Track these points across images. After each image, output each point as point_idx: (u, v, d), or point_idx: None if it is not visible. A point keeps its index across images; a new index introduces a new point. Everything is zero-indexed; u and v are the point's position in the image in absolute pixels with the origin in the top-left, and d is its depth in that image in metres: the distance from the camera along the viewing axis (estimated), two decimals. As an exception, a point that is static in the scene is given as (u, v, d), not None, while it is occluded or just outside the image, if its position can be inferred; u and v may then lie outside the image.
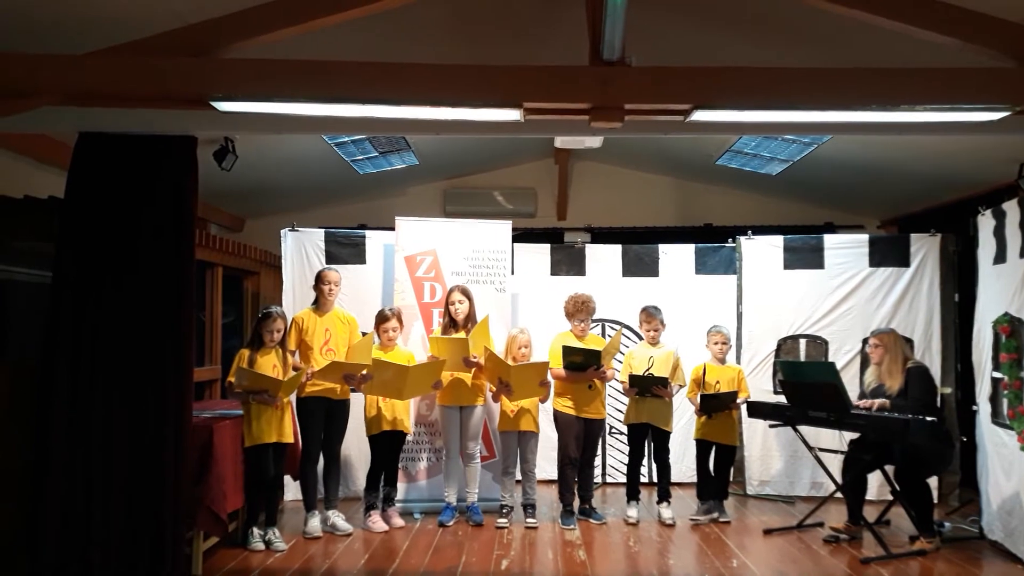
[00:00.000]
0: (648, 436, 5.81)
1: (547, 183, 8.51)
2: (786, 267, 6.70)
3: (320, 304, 5.43)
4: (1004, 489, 4.95)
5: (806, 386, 5.29)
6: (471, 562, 4.73)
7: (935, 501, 5.36)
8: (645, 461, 6.03)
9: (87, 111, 3.90)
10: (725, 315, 6.66)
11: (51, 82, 3.38)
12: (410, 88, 3.44)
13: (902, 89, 3.45)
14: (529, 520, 5.54)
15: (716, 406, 5.69)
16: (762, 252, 6.77)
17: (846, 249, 6.61)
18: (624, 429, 6.09)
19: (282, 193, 7.87)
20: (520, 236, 7.32)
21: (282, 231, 6.46)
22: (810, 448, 5.57)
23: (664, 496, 5.77)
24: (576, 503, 5.69)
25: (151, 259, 4.19)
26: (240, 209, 8.26)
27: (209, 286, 6.70)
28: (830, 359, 6.38)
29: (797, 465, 6.53)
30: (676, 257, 7.15)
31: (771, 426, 6.19)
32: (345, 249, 6.50)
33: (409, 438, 5.75)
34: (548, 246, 7.27)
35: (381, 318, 5.51)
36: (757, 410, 5.76)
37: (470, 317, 5.63)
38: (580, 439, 5.60)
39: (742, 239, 6.85)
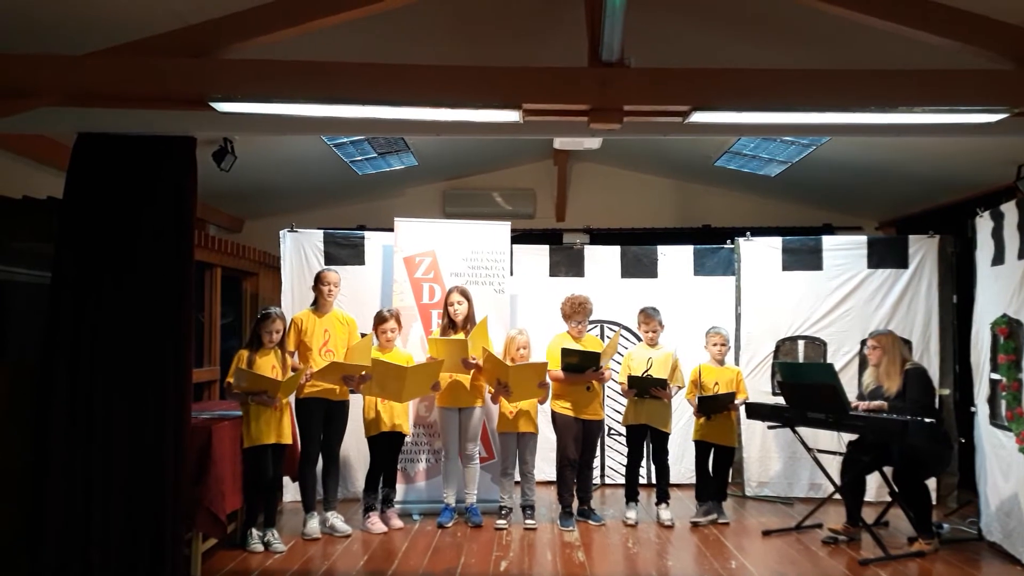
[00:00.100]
0: (647, 437, 5.81)
1: (546, 184, 8.52)
2: (784, 268, 6.71)
3: (319, 305, 5.43)
4: (1002, 490, 4.95)
5: (805, 387, 5.30)
6: (470, 563, 4.73)
7: (933, 502, 5.37)
8: (644, 462, 6.03)
9: (86, 112, 3.89)
10: (724, 316, 6.66)
11: (51, 82, 3.38)
12: (409, 89, 3.44)
13: (901, 91, 3.46)
14: (528, 521, 5.54)
15: (714, 407, 5.70)
16: (761, 253, 6.78)
17: (844, 250, 6.62)
18: (623, 430, 6.10)
19: (281, 194, 7.88)
20: (519, 237, 7.33)
21: (281, 232, 6.46)
22: (809, 449, 5.58)
23: (663, 497, 5.77)
24: (575, 504, 5.69)
25: (150, 260, 4.18)
26: (239, 210, 8.26)
27: (208, 287, 6.70)
28: (828, 360, 6.39)
29: (796, 466, 6.53)
30: (675, 258, 7.15)
31: (770, 427, 6.20)
32: (344, 250, 6.50)
33: (408, 439, 5.75)
34: (547, 247, 7.27)
35: (379, 319, 5.51)
36: (756, 411, 5.76)
37: (469, 318, 5.63)
38: (579, 440, 5.60)
39: (741, 240, 6.86)
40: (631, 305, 6.46)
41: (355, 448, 6.00)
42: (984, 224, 5.25)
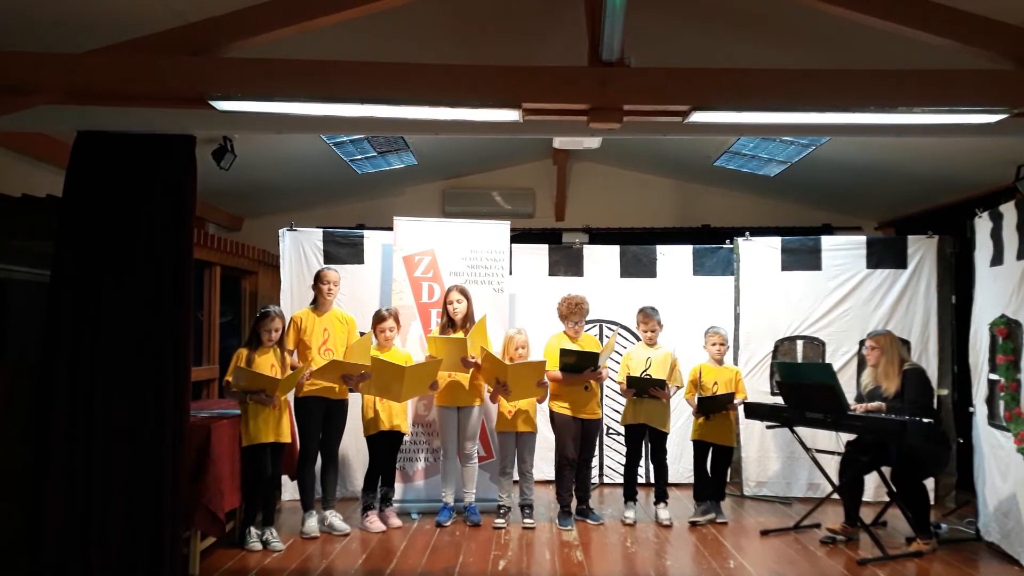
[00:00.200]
0: (645, 437, 5.81)
1: (545, 184, 8.52)
2: (784, 268, 6.71)
3: (319, 304, 5.43)
4: (1001, 491, 4.96)
5: (803, 387, 5.30)
6: (468, 562, 4.73)
7: (932, 503, 5.39)
8: (642, 462, 6.04)
9: (86, 110, 3.89)
10: (723, 316, 6.67)
11: (51, 80, 3.38)
12: (409, 88, 3.44)
13: (900, 91, 3.46)
14: (526, 520, 5.54)
15: (713, 407, 5.70)
16: (760, 253, 6.78)
17: (843, 251, 6.62)
18: (621, 430, 6.10)
19: (280, 193, 7.87)
20: (518, 236, 7.32)
21: (280, 231, 6.46)
22: (807, 449, 5.58)
23: (661, 497, 5.77)
24: (573, 504, 5.69)
25: (150, 258, 4.18)
26: (238, 208, 8.25)
27: (207, 285, 6.70)
28: (827, 360, 6.39)
29: (794, 466, 6.54)
30: (674, 258, 7.16)
31: (768, 427, 6.20)
32: (343, 249, 6.50)
33: (407, 438, 5.74)
34: (546, 246, 7.27)
35: (378, 318, 5.51)
36: (754, 411, 5.76)
37: (468, 317, 5.63)
38: (577, 440, 5.61)
39: (740, 240, 6.86)
40: (630, 305, 6.46)
41: (354, 447, 6.00)
42: (983, 225, 5.26)
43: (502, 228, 6.37)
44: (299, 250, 6.43)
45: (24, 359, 4.36)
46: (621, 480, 6.07)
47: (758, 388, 6.56)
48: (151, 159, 4.22)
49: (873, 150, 6.18)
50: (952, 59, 3.58)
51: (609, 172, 8.55)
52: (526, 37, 4.51)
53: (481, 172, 8.53)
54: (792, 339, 6.67)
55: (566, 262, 7.19)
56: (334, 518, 5.36)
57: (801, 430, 5.58)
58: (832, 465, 5.58)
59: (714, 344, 5.86)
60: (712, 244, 7.24)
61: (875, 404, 5.14)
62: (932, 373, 6.10)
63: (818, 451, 5.59)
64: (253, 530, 5.00)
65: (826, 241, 6.72)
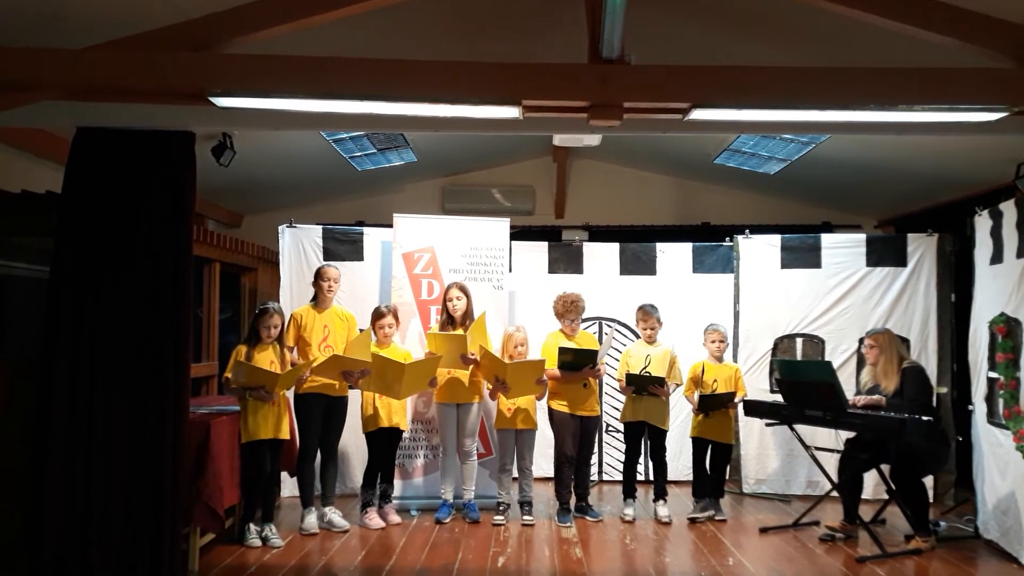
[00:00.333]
0: (644, 434, 5.81)
1: (545, 181, 8.52)
2: (783, 266, 6.71)
3: (319, 301, 5.43)
4: (1000, 488, 4.96)
5: (803, 385, 5.30)
6: (467, 559, 4.73)
7: (931, 500, 5.39)
8: (641, 459, 6.04)
9: (86, 106, 3.89)
10: (722, 314, 6.67)
11: (51, 76, 3.38)
12: (409, 85, 3.44)
13: (900, 89, 3.47)
14: (526, 517, 5.54)
15: (713, 405, 5.70)
16: (759, 251, 6.78)
17: (843, 249, 6.62)
18: (621, 427, 6.10)
19: (280, 189, 7.87)
20: (518, 234, 7.33)
21: (280, 227, 6.45)
22: (806, 447, 5.58)
23: (660, 494, 5.78)
24: (572, 501, 5.70)
25: (149, 255, 4.18)
26: (238, 205, 8.25)
27: (207, 282, 6.71)
28: (827, 358, 6.39)
29: (793, 464, 6.54)
30: (674, 256, 7.16)
31: (767, 425, 6.20)
32: (343, 246, 6.50)
33: (406, 435, 5.75)
34: (546, 244, 7.28)
35: (377, 315, 5.51)
36: (754, 409, 5.77)
37: (468, 314, 5.63)
38: (576, 437, 5.61)
39: (740, 238, 6.85)
40: (630, 302, 6.46)
41: (353, 443, 6.00)
42: (983, 223, 5.25)
43: (502, 225, 6.37)
44: (299, 247, 6.42)
45: (24, 356, 4.35)
46: (620, 477, 6.07)
47: (757, 386, 6.56)
48: (151, 155, 4.22)
49: (873, 148, 6.18)
50: (953, 57, 3.58)
51: (609, 169, 8.55)
52: (526, 34, 4.50)
53: (481, 169, 8.52)
54: (792, 337, 6.67)
55: (566, 259, 7.19)
56: (333, 515, 5.36)
57: (800, 428, 5.58)
58: (831, 463, 5.58)
59: (714, 342, 5.86)
60: (712, 242, 7.24)
61: (876, 397, 5.14)
62: (931, 371, 6.10)
63: (817, 449, 5.59)
64: (252, 526, 5.00)
65: (826, 239, 6.72)
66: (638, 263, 7.16)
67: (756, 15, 4.20)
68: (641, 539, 5.24)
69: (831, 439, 5.85)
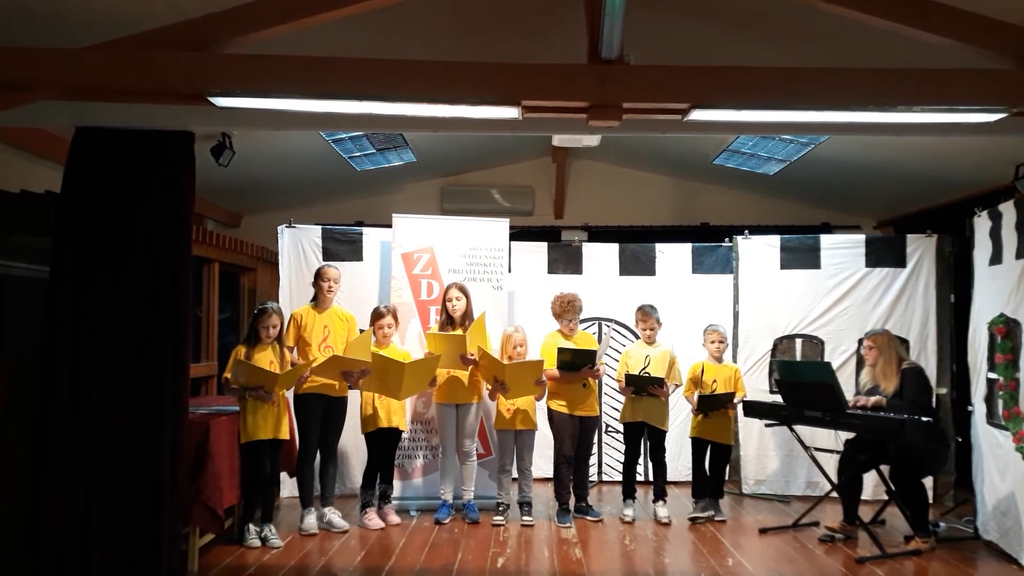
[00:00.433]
0: (644, 435, 5.81)
1: (545, 181, 8.52)
2: (783, 267, 6.71)
3: (319, 301, 5.42)
4: (999, 489, 4.96)
5: (802, 386, 5.30)
6: (467, 560, 4.73)
7: (930, 501, 5.39)
8: (641, 460, 6.04)
9: (85, 105, 3.89)
10: (721, 314, 6.67)
11: (50, 76, 3.37)
12: (408, 85, 3.44)
13: (900, 90, 3.46)
14: (525, 518, 5.54)
15: (713, 405, 5.70)
16: (759, 252, 6.78)
17: (842, 249, 6.62)
18: (620, 427, 6.10)
19: (279, 189, 7.87)
20: (517, 234, 7.32)
21: (279, 227, 6.45)
22: (806, 448, 5.58)
23: (660, 495, 5.78)
24: (572, 501, 5.70)
25: (148, 255, 4.18)
26: (237, 205, 8.25)
27: (206, 282, 6.70)
28: (826, 359, 6.39)
29: (793, 464, 6.54)
30: (673, 256, 7.16)
31: (767, 425, 6.20)
32: (342, 246, 6.50)
33: (405, 436, 5.75)
34: (545, 244, 7.28)
35: (376, 315, 5.51)
36: (753, 409, 5.77)
37: (467, 314, 5.63)
38: (575, 437, 5.62)
39: (739, 239, 6.85)
40: (629, 303, 6.47)
41: (353, 444, 6.00)
42: (982, 224, 5.25)
43: (501, 226, 6.37)
44: (298, 247, 6.42)
45: (23, 356, 4.35)
46: (620, 478, 6.07)
47: (757, 386, 6.56)
48: (150, 155, 4.22)
49: (872, 149, 6.18)
50: (952, 58, 3.58)
51: (608, 170, 8.55)
52: (526, 35, 4.50)
53: (480, 170, 8.52)
54: (791, 337, 6.67)
55: (565, 260, 7.19)
56: (333, 515, 5.36)
57: (800, 428, 5.58)
58: (831, 463, 5.58)
59: (713, 342, 5.86)
60: (711, 242, 7.25)
61: (875, 398, 5.14)
62: (931, 372, 6.10)
63: (817, 449, 5.59)
64: (252, 527, 5.00)
65: (825, 240, 6.72)
66: (637, 263, 7.16)
67: (755, 15, 4.20)
68: (640, 540, 5.24)
69: (830, 440, 5.85)
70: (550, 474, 5.99)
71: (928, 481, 5.53)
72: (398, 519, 5.54)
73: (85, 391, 4.06)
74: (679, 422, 6.52)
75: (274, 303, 5.27)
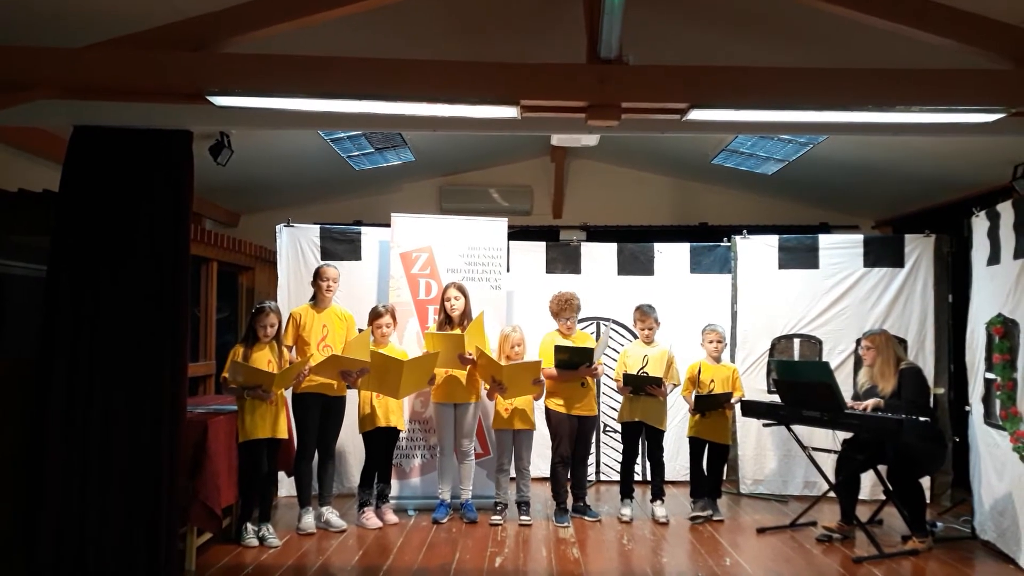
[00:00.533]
0: (642, 434, 5.81)
1: (543, 181, 8.52)
2: (781, 267, 6.71)
3: (318, 300, 5.42)
4: (996, 489, 4.97)
5: (800, 385, 5.30)
6: (465, 559, 4.73)
7: (927, 501, 5.40)
8: (639, 459, 6.04)
9: (83, 105, 3.88)
10: (720, 314, 6.67)
11: (49, 75, 3.36)
12: (407, 85, 3.44)
13: (898, 90, 3.47)
14: (523, 517, 5.55)
15: (710, 405, 5.70)
16: (757, 252, 6.78)
17: (841, 249, 6.63)
18: (618, 427, 6.11)
19: (277, 188, 7.87)
20: (516, 234, 7.33)
21: (277, 227, 6.45)
22: (804, 447, 5.59)
23: (658, 494, 5.78)
24: (570, 501, 5.70)
25: (146, 254, 4.17)
26: (235, 204, 8.24)
27: (204, 281, 6.70)
28: (824, 359, 6.40)
29: (791, 464, 6.54)
30: (671, 256, 7.16)
31: (765, 425, 6.20)
32: (340, 245, 6.50)
33: (403, 435, 5.75)
34: (544, 244, 7.27)
35: (375, 314, 5.51)
36: (751, 409, 5.77)
37: (466, 314, 5.63)
38: (572, 437, 5.61)
39: (737, 238, 6.86)
40: (627, 302, 6.48)
41: (351, 443, 6.00)
42: (980, 224, 5.26)
43: (500, 225, 6.37)
44: (296, 246, 6.42)
45: (21, 355, 4.34)
46: (618, 477, 6.08)
47: (755, 386, 6.56)
48: (148, 154, 4.22)
49: (871, 149, 6.19)
50: (951, 58, 3.58)
51: (607, 170, 8.55)
52: (525, 34, 4.50)
53: (479, 169, 8.52)
54: (789, 337, 6.67)
55: (564, 259, 7.19)
56: (331, 514, 5.36)
57: (798, 428, 5.58)
58: (828, 463, 5.59)
59: (711, 342, 5.86)
60: (709, 242, 7.25)
61: (872, 401, 5.15)
62: (929, 372, 6.11)
63: (815, 449, 5.60)
64: (250, 526, 4.99)
65: (823, 240, 6.72)
66: (636, 263, 7.16)
67: (755, 15, 4.21)
68: (638, 539, 5.24)
69: (828, 440, 5.85)
70: (548, 474, 5.99)
71: (925, 481, 5.54)
72: (396, 519, 5.54)
73: (83, 390, 4.06)
74: (677, 422, 6.53)
75: (272, 302, 5.25)
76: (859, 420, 4.96)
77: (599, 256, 7.22)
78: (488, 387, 5.56)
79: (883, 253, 6.55)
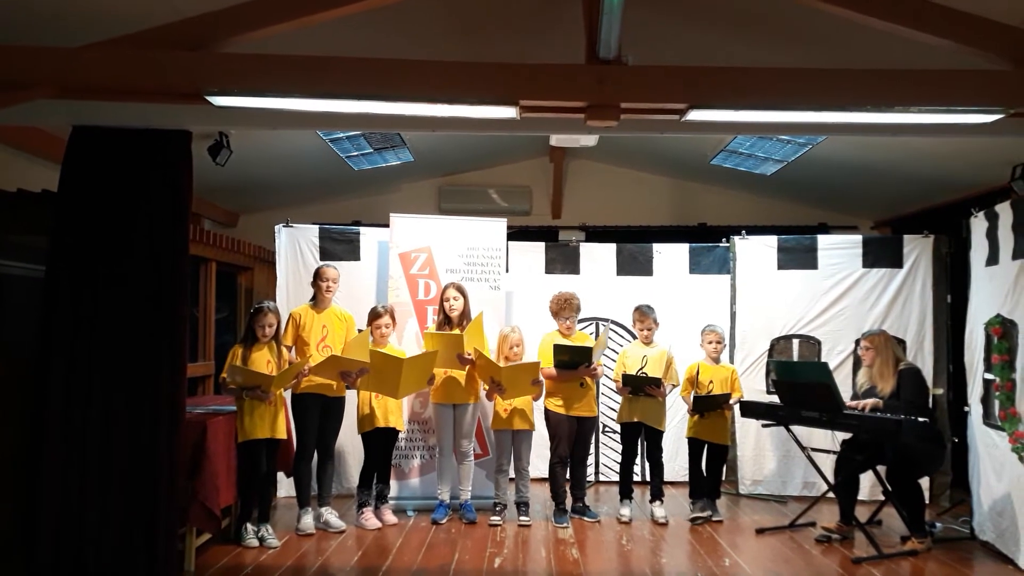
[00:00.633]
0: (641, 435, 5.81)
1: (542, 181, 8.52)
2: (780, 267, 6.71)
3: (318, 301, 5.41)
4: (995, 490, 4.97)
5: (799, 386, 5.30)
6: (464, 560, 4.73)
7: (926, 502, 5.39)
8: (638, 460, 6.04)
9: (82, 104, 3.88)
10: (719, 315, 6.67)
11: (48, 74, 3.36)
12: (406, 85, 3.44)
13: (897, 90, 3.47)
14: (522, 518, 5.54)
15: (708, 406, 5.70)
16: (756, 252, 6.79)
17: (840, 250, 6.63)
18: (617, 428, 6.11)
19: (276, 188, 7.86)
20: (515, 234, 7.33)
21: (276, 227, 6.45)
22: (803, 448, 5.58)
23: (657, 495, 5.78)
24: (569, 501, 5.70)
25: (145, 254, 4.17)
26: (234, 204, 8.24)
27: (203, 281, 6.70)
28: (823, 359, 6.39)
29: (790, 465, 6.54)
30: (670, 256, 7.16)
31: (764, 426, 6.21)
32: (339, 245, 6.49)
33: (402, 436, 5.75)
34: (543, 244, 7.27)
35: (374, 315, 5.50)
36: (750, 410, 5.77)
37: (465, 314, 5.62)
38: (571, 438, 5.61)
39: (736, 239, 6.86)
40: (626, 303, 6.48)
41: (350, 443, 6.00)
42: (979, 224, 5.26)
43: (499, 225, 6.37)
44: (295, 246, 6.42)
45: (20, 355, 4.34)
46: (617, 478, 6.08)
47: (754, 387, 6.56)
48: (147, 154, 4.21)
49: (869, 149, 6.19)
50: (949, 59, 3.58)
51: (606, 170, 8.55)
52: (524, 34, 4.50)
53: (478, 169, 8.52)
54: (788, 338, 6.67)
55: (563, 260, 7.19)
56: (330, 515, 5.35)
57: (797, 429, 5.58)
58: (828, 464, 5.59)
59: (711, 342, 5.86)
60: (708, 243, 7.25)
61: (872, 401, 5.15)
62: (927, 372, 6.11)
63: (814, 450, 5.59)
64: (249, 526, 4.99)
65: (822, 240, 6.72)
66: (635, 264, 7.16)
67: (755, 16, 4.21)
68: (637, 540, 5.24)
69: (827, 440, 5.85)
70: (547, 474, 5.99)
71: (924, 482, 5.53)
72: (395, 519, 5.53)
73: (82, 390, 4.06)
74: (676, 422, 6.53)
75: (270, 302, 5.25)
76: (858, 421, 4.96)
77: (598, 256, 7.21)
78: (487, 388, 5.55)
79: (882, 254, 6.55)
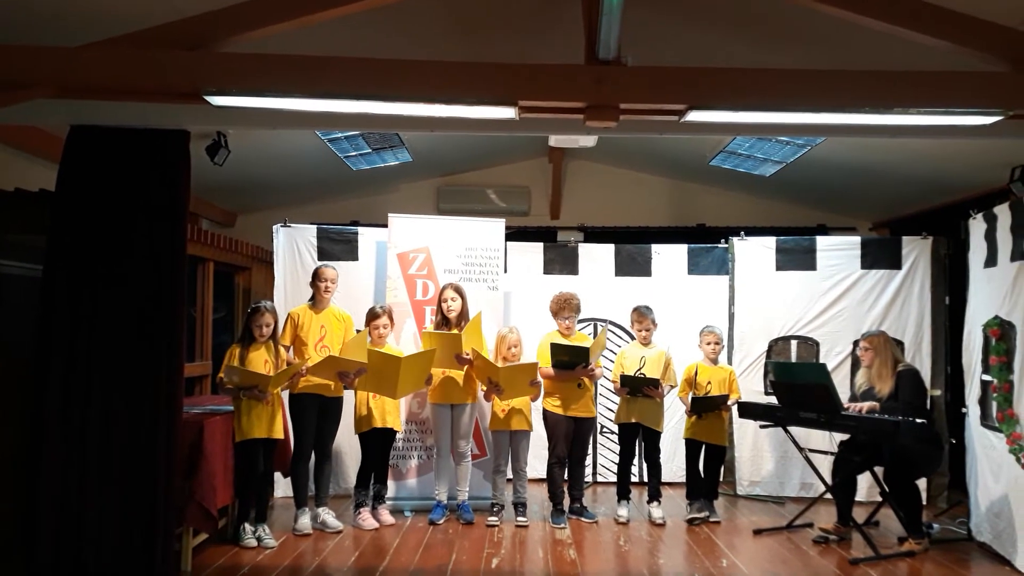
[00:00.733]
0: (639, 436, 5.81)
1: (541, 182, 8.52)
2: (778, 268, 6.72)
3: (316, 301, 5.41)
4: (992, 491, 4.97)
5: (797, 387, 5.30)
6: (461, 560, 4.72)
7: (924, 503, 5.39)
8: (635, 460, 6.04)
9: (81, 104, 3.87)
10: (717, 316, 6.67)
11: (47, 74, 3.35)
12: (405, 85, 3.43)
13: (896, 92, 3.47)
14: (520, 519, 5.54)
15: (706, 407, 5.70)
16: (755, 253, 6.79)
17: (838, 251, 6.63)
18: (615, 428, 6.11)
19: (274, 188, 7.85)
20: (513, 234, 7.32)
21: (274, 227, 6.44)
22: (800, 449, 5.59)
23: (654, 496, 5.78)
24: (567, 502, 5.70)
25: (143, 254, 4.16)
26: (232, 204, 8.23)
27: (200, 281, 6.69)
28: (821, 361, 6.40)
29: (787, 466, 6.55)
30: (669, 257, 7.16)
31: (762, 427, 6.21)
32: (337, 245, 6.49)
33: (400, 436, 5.74)
34: (541, 245, 7.27)
35: (372, 315, 5.50)
36: (748, 411, 5.77)
37: (463, 315, 5.62)
38: (569, 438, 5.61)
39: (735, 240, 6.86)
40: (625, 303, 6.48)
41: (347, 444, 5.99)
42: (977, 226, 5.27)
43: (497, 226, 6.37)
44: (293, 246, 6.41)
45: (18, 355, 4.33)
46: (614, 478, 6.07)
47: (752, 388, 6.56)
48: (145, 154, 4.21)
49: (868, 151, 6.19)
50: (948, 61, 3.58)
51: (604, 170, 8.55)
52: (523, 35, 4.50)
53: (476, 170, 8.51)
54: (786, 339, 6.68)
55: (561, 260, 7.18)
56: (327, 515, 5.35)
57: (794, 430, 5.59)
58: (825, 465, 5.59)
59: (709, 343, 5.86)
60: (707, 243, 7.25)
61: (868, 404, 5.15)
62: (925, 374, 6.12)
63: (811, 451, 5.60)
64: (246, 526, 4.99)
65: (821, 241, 6.73)
66: (633, 264, 7.16)
67: (754, 17, 4.21)
68: (635, 540, 5.24)
69: (825, 441, 5.85)
70: (545, 475, 5.99)
71: (922, 483, 5.53)
72: (392, 519, 5.53)
73: (80, 390, 4.05)
74: (674, 423, 6.53)
75: (267, 302, 5.24)
76: (856, 422, 4.96)
77: (597, 257, 7.21)
78: (485, 388, 5.55)
79: (880, 255, 6.56)
